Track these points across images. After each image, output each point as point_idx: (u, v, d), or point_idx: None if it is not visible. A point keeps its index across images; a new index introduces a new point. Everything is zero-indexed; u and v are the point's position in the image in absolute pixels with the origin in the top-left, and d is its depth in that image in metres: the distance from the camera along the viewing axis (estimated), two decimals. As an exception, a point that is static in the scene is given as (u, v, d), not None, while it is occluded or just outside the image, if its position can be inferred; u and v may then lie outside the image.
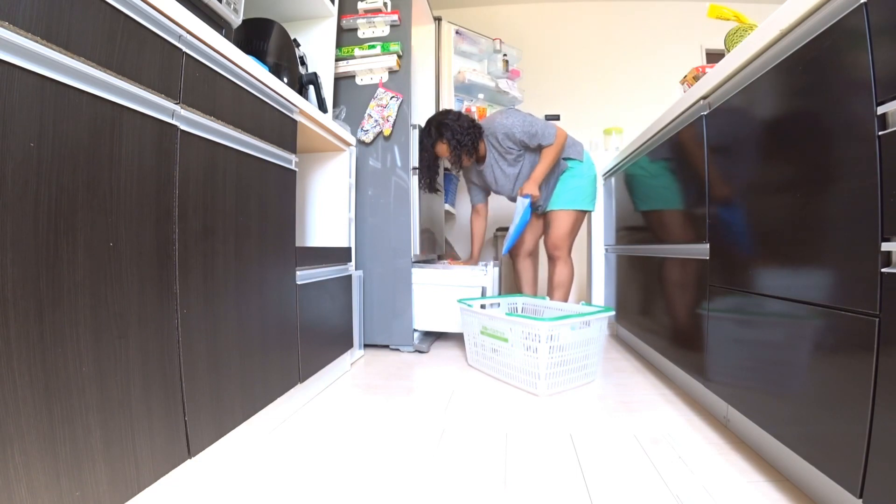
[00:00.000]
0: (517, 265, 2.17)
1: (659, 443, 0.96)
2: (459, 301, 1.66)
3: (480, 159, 1.96)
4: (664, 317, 1.35)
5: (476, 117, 2.18)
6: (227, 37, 0.93)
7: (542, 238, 2.07)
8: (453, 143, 1.82)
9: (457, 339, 2.04)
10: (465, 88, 2.59)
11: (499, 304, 1.78)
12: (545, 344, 1.27)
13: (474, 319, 1.57)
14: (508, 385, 1.39)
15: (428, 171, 1.88)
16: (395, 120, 1.80)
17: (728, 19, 1.22)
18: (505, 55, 2.69)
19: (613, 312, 1.50)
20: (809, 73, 0.69)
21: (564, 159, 1.95)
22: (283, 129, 1.07)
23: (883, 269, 0.55)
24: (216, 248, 0.82)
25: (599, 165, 2.29)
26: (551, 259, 1.99)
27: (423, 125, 1.89)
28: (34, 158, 0.50)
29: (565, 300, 1.96)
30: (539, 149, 1.85)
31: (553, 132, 1.81)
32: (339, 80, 1.86)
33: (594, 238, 2.32)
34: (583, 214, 1.97)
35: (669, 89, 2.71)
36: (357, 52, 1.83)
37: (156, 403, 0.67)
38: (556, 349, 1.30)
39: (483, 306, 1.66)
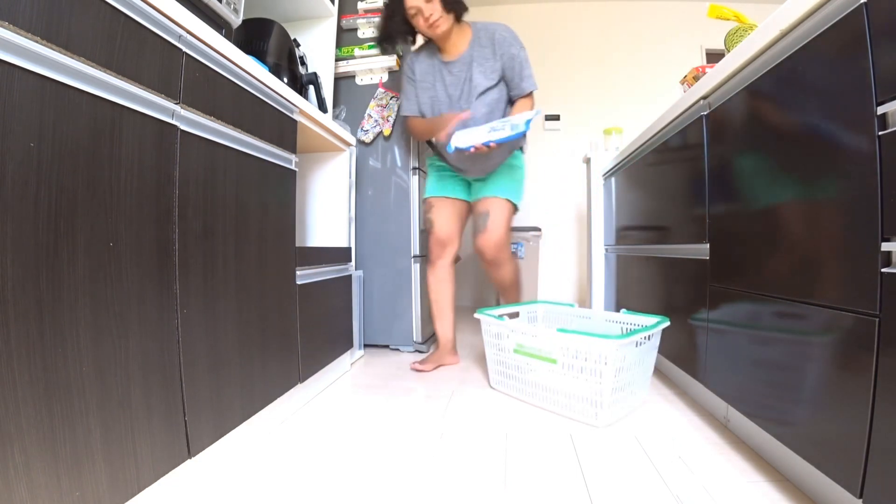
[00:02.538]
0: (440, 274, 1.64)
1: (659, 443, 0.97)
2: (479, 312, 1.36)
3: (452, 50, 1.51)
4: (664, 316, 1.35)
5: None
6: (227, 37, 0.93)
7: (475, 237, 1.58)
8: None
9: (457, 338, 2.03)
10: (465, 88, 2.58)
11: (518, 314, 1.53)
12: (611, 366, 1.03)
13: (504, 334, 1.26)
14: (554, 414, 1.15)
15: (390, 22, 1.46)
16: (395, 120, 1.80)
17: (728, 19, 1.22)
18: (505, 55, 2.68)
19: (669, 322, 1.23)
20: (809, 73, 0.69)
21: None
22: (283, 129, 1.07)
23: (883, 269, 0.55)
24: (216, 248, 0.82)
25: (599, 165, 2.29)
26: (494, 264, 1.60)
27: None
28: (34, 158, 0.50)
29: (519, 299, 1.73)
30: (511, 93, 1.51)
31: (534, 89, 1.49)
32: (339, 80, 1.86)
33: (594, 238, 2.32)
34: (515, 210, 1.64)
35: (669, 89, 2.71)
36: (357, 52, 1.83)
37: (156, 403, 0.67)
38: (622, 370, 1.07)
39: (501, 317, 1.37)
